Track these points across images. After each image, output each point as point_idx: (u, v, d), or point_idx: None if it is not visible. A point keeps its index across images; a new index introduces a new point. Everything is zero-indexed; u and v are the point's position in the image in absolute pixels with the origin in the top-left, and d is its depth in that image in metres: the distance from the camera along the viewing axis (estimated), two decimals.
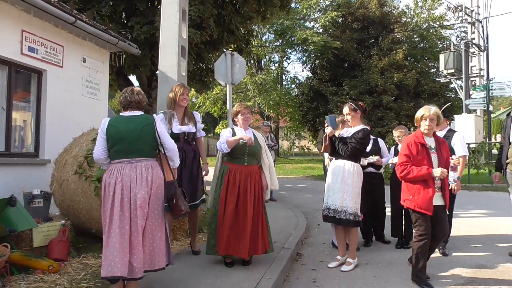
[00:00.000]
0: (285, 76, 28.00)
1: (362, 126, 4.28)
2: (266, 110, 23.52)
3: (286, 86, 27.20)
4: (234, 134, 4.12)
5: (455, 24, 23.88)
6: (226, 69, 7.44)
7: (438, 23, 25.40)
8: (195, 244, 4.53)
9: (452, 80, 17.56)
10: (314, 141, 27.74)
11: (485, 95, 13.76)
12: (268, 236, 4.12)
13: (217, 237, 3.93)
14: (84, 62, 6.78)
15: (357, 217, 4.13)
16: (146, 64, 8.98)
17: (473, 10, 16.53)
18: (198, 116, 4.54)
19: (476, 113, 15.62)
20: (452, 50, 17.37)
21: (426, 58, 25.04)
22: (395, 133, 5.43)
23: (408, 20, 26.27)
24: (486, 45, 16.20)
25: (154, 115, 3.37)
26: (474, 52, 16.53)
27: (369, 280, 3.91)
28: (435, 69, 24.85)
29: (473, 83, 16.11)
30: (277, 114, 24.65)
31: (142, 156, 3.15)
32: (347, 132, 4.37)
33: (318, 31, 24.35)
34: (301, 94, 25.12)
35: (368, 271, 4.18)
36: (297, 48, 25.49)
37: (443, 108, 4.67)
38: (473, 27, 16.53)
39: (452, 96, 24.24)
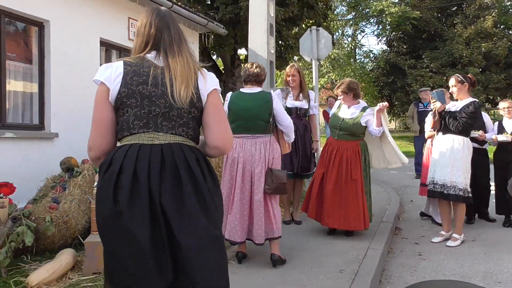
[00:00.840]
0: (359, 50, 27.00)
1: (471, 99, 4.12)
2: None
3: (361, 61, 26.24)
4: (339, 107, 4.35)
5: None
6: (311, 44, 7.41)
7: None
8: (297, 214, 4.73)
9: None
10: (392, 117, 26.63)
11: None
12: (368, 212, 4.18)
13: (305, 198, 4.25)
14: None
15: (466, 193, 4.03)
16: (229, 43, 9.26)
17: None
18: (312, 94, 4.81)
19: None
20: None
21: None
22: (503, 104, 5.10)
23: None
24: None
25: (272, 91, 3.51)
26: None
27: (479, 256, 3.83)
28: None
29: None
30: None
31: (259, 132, 3.32)
32: (454, 106, 4.21)
33: (394, 1, 22.97)
34: (376, 68, 24.10)
35: (476, 247, 4.08)
36: (372, 21, 24.36)
37: None
38: None
39: None
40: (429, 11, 21.96)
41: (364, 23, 25.06)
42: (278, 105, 3.37)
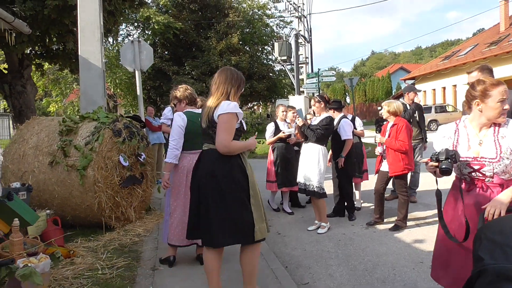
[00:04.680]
0: None
1: (326, 114, 5.13)
2: (112, 89, 22.30)
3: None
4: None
5: (281, 15, 27.20)
6: (134, 55, 7.49)
7: (261, 11, 28.17)
8: None
9: (284, 66, 20.61)
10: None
11: (317, 81, 17.02)
12: None
13: None
14: None
15: (321, 190, 4.91)
16: (22, 42, 7.91)
17: (299, 6, 19.68)
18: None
19: (304, 94, 18.96)
20: (284, 40, 20.30)
21: (255, 42, 27.79)
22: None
23: (236, 5, 28.19)
24: (310, 37, 19.65)
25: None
26: (301, 42, 19.79)
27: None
28: (260, 53, 27.96)
29: (301, 69, 19.41)
30: (119, 92, 23.60)
31: (199, 148, 3.64)
32: (315, 120, 5.25)
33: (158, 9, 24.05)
34: (143, 72, 24.66)
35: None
36: (136, 25, 24.69)
37: None
38: (299, 21, 19.71)
39: (274, 77, 27.85)
40: (187, 23, 24.22)
41: (130, 28, 25.03)
42: None
